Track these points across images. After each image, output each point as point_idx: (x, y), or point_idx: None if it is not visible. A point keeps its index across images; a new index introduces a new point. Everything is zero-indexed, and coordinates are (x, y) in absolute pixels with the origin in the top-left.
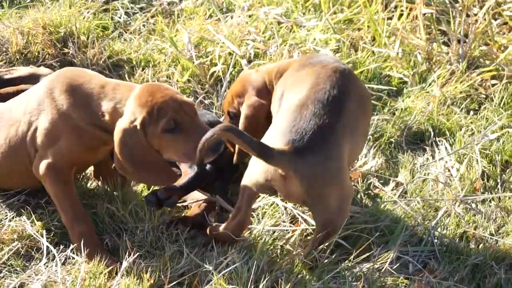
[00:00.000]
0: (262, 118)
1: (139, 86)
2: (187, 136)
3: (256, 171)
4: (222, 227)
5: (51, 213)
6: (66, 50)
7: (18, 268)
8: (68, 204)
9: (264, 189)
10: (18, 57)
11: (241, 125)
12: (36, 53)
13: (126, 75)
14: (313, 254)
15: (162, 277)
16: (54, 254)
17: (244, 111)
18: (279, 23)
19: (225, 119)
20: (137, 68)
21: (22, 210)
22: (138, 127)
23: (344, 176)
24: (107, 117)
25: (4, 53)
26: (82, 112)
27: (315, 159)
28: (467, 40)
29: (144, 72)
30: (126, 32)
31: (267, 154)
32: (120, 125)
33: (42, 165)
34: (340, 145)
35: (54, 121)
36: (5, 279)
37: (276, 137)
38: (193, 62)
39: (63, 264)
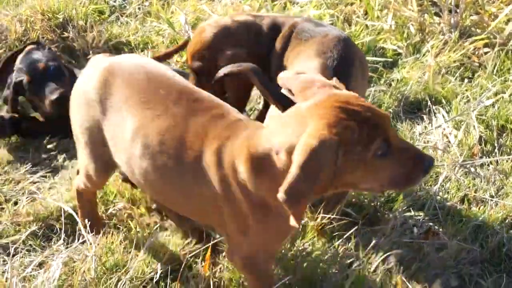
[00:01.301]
0: None
1: (316, 100)
2: (398, 160)
3: None
4: None
5: (63, 195)
6: (66, 35)
7: (36, 248)
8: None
9: None
10: (17, 44)
11: None
12: (36, 39)
13: None
14: (323, 220)
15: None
16: (68, 233)
17: None
18: (272, 0)
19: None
20: (136, 50)
21: (37, 192)
22: (337, 140)
23: None
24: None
25: (4, 41)
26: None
27: None
28: (458, 10)
29: (144, 54)
30: (122, 16)
31: (286, 104)
32: (314, 134)
33: None
34: None
35: None
36: (24, 258)
37: None
38: None
39: (83, 243)
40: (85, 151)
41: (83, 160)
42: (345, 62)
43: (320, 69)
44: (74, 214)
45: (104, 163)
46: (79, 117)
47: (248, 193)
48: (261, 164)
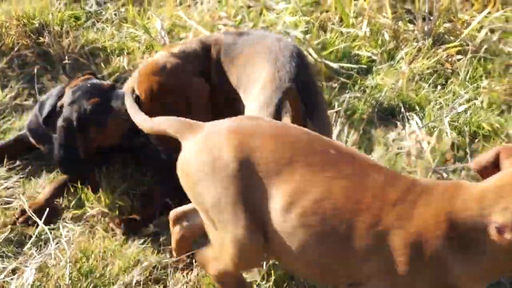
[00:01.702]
0: None
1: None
2: None
3: None
4: None
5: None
6: (41, 40)
7: (10, 254)
8: None
9: None
10: None
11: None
12: (11, 45)
13: (102, 63)
14: None
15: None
16: (42, 238)
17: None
18: (248, 7)
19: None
20: (112, 56)
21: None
22: None
23: None
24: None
25: None
26: None
27: (320, 122)
28: (431, 18)
29: (120, 60)
30: (98, 22)
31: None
32: None
33: None
34: (323, 102)
35: None
36: None
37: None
38: None
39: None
40: (223, 233)
41: (220, 244)
42: (301, 60)
43: (280, 72)
44: (44, 226)
45: (250, 243)
46: (210, 194)
47: (434, 269)
48: (467, 238)
